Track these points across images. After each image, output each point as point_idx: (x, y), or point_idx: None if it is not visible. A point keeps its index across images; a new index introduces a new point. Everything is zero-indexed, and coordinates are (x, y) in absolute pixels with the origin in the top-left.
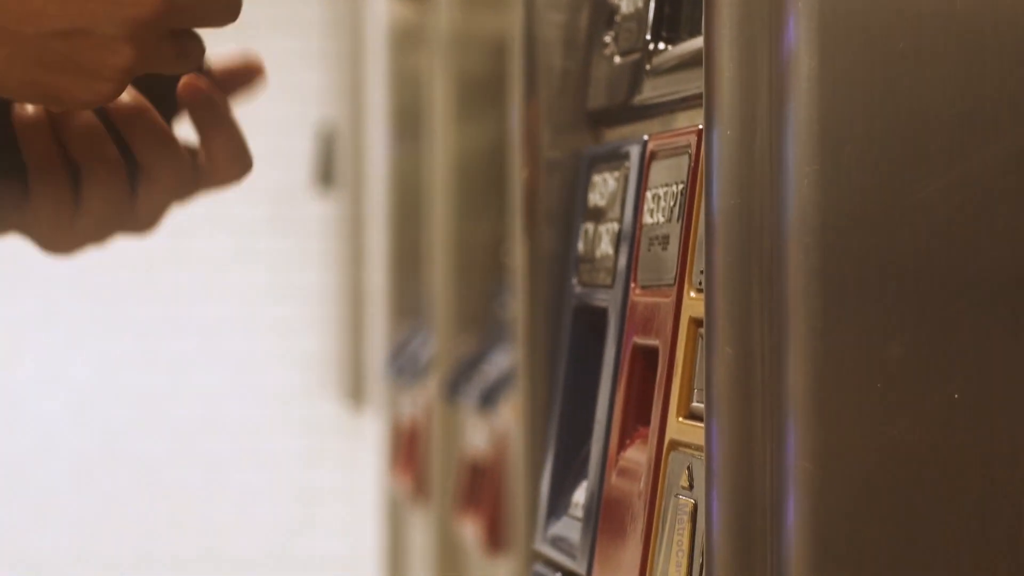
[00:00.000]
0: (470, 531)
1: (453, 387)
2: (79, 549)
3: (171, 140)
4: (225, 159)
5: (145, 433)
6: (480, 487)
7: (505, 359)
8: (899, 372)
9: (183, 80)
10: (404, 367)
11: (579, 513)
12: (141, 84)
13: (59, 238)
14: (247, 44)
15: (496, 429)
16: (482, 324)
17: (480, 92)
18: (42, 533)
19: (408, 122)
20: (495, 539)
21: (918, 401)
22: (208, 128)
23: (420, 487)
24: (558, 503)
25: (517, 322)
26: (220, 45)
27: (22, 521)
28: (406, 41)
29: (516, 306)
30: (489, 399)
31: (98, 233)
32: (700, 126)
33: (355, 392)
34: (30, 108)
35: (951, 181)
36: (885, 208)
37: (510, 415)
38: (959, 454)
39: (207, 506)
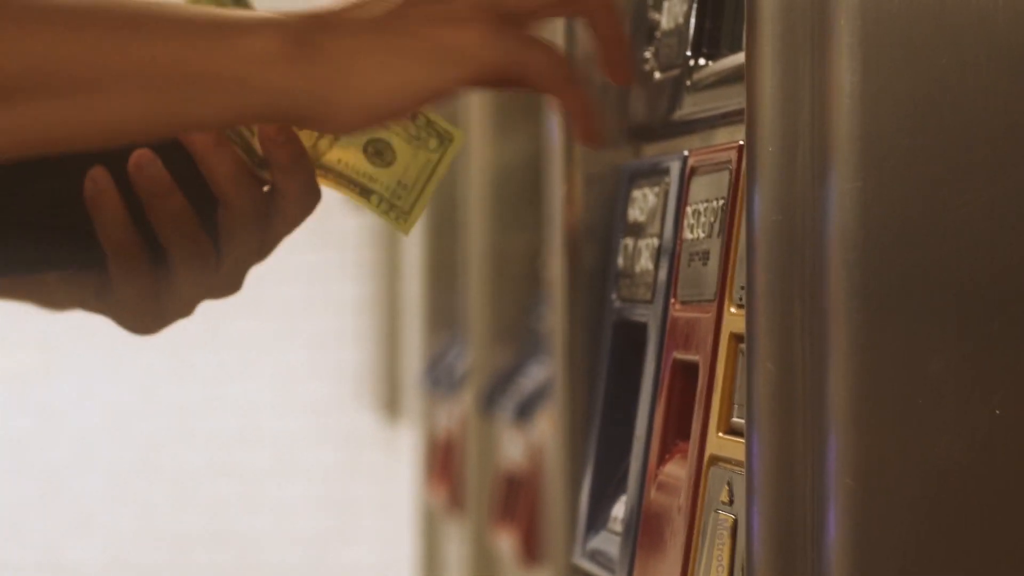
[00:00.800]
0: (505, 543)
1: (489, 399)
2: (116, 560)
3: (251, 180)
4: (296, 193)
5: (182, 445)
6: (515, 499)
7: (541, 372)
8: (941, 388)
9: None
10: (440, 379)
11: (618, 527)
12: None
13: (145, 321)
14: None
15: (532, 441)
16: (518, 336)
17: (517, 103)
18: (79, 544)
19: None
20: (531, 551)
21: (960, 417)
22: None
23: (455, 499)
24: (597, 517)
25: (554, 335)
26: None
27: (60, 532)
28: None
29: (554, 320)
30: (525, 412)
31: (185, 308)
32: (740, 142)
33: (391, 404)
34: (107, 194)
35: (993, 196)
36: (927, 223)
37: (546, 428)
38: (1002, 471)
39: (243, 517)
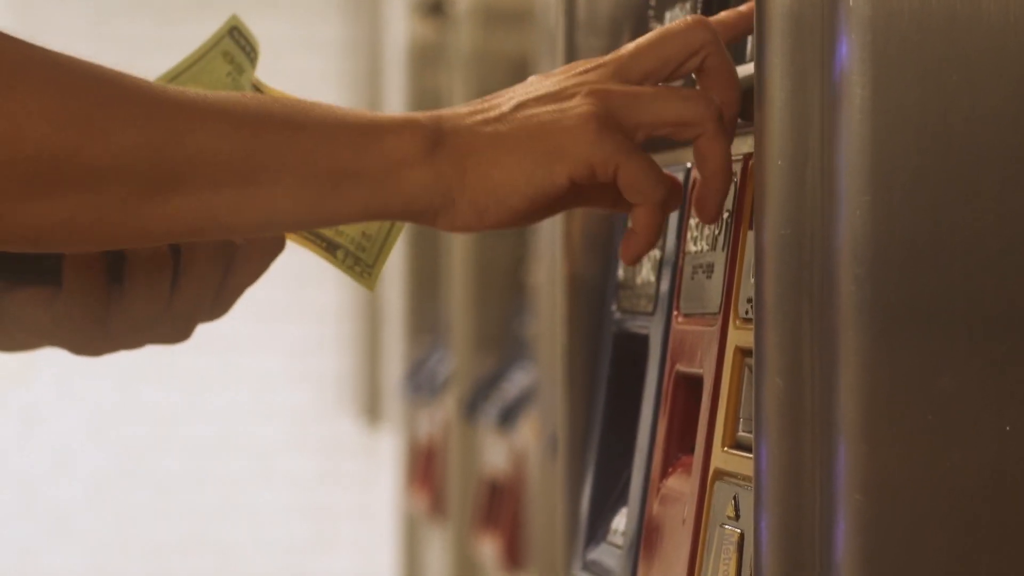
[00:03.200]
0: (488, 549)
1: (471, 406)
2: (94, 567)
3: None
4: (259, 248)
5: (162, 451)
6: (498, 506)
7: (524, 378)
8: (950, 404)
9: None
10: (421, 385)
11: (618, 540)
12: None
13: (90, 342)
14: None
15: (514, 448)
16: (501, 343)
17: None
18: (58, 550)
19: None
20: (513, 557)
21: (970, 434)
22: None
23: (437, 505)
24: (596, 529)
25: (543, 343)
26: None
27: (39, 538)
28: (426, 60)
29: (547, 330)
30: (508, 418)
31: (131, 340)
32: (745, 153)
33: (372, 410)
34: None
35: (1003, 212)
36: (937, 239)
37: (528, 434)
38: (1011, 487)
39: (224, 524)
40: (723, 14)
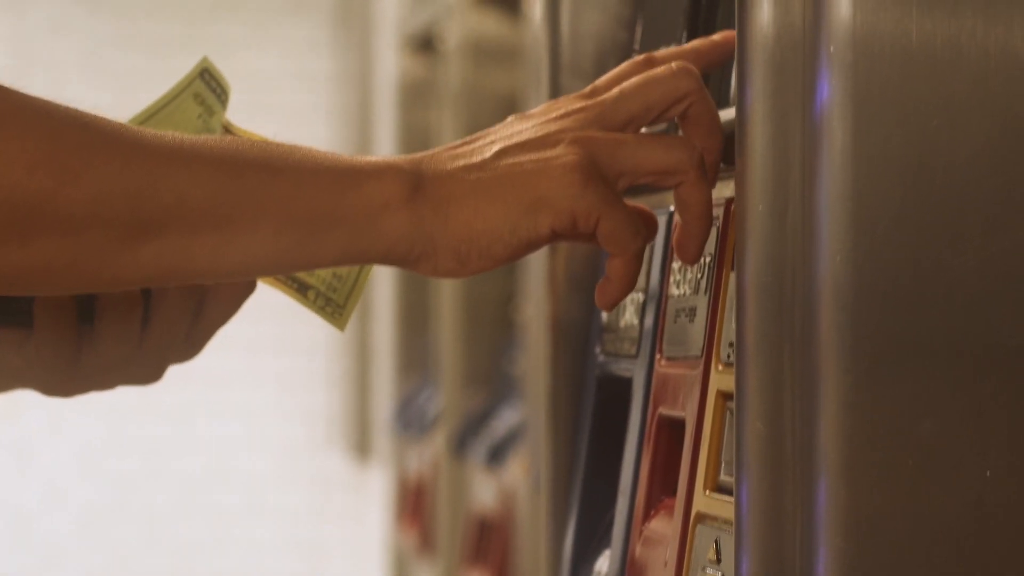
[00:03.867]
0: None
1: (460, 442)
2: None
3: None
4: (230, 291)
5: (151, 485)
6: (487, 543)
7: (513, 415)
8: (932, 449)
9: None
10: (411, 421)
11: None
12: None
13: (61, 382)
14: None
15: (504, 485)
16: (490, 380)
17: None
18: None
19: None
20: None
21: (951, 478)
22: None
23: (426, 542)
24: (580, 571)
25: (530, 383)
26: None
27: (31, 571)
28: (415, 96)
29: (530, 367)
30: (497, 455)
31: (103, 381)
32: (727, 198)
33: (361, 446)
34: None
35: (985, 258)
36: (918, 284)
37: (518, 471)
38: (993, 533)
39: (213, 559)
40: (697, 43)
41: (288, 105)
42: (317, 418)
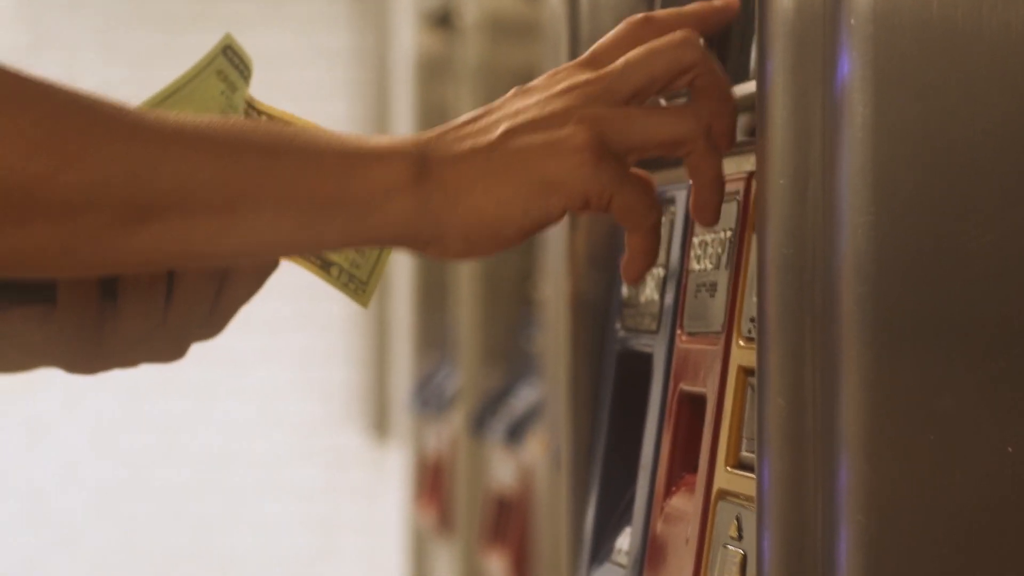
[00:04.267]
0: (495, 565)
1: (479, 421)
2: None
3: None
4: (252, 267)
5: (168, 462)
6: (506, 521)
7: (532, 393)
8: (952, 424)
9: None
10: (429, 400)
11: (623, 559)
12: None
13: (85, 359)
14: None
15: (522, 463)
16: (508, 357)
17: None
18: (63, 561)
19: None
20: (521, 573)
21: (972, 454)
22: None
23: (445, 520)
24: (601, 548)
25: (549, 360)
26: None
27: (45, 549)
28: (433, 72)
29: (549, 344)
30: (515, 434)
31: (127, 358)
32: (747, 172)
33: (379, 424)
34: None
35: (1004, 231)
36: (938, 258)
37: (536, 450)
38: (1014, 508)
39: (229, 536)
40: (698, 5)
41: (305, 82)
42: (335, 396)
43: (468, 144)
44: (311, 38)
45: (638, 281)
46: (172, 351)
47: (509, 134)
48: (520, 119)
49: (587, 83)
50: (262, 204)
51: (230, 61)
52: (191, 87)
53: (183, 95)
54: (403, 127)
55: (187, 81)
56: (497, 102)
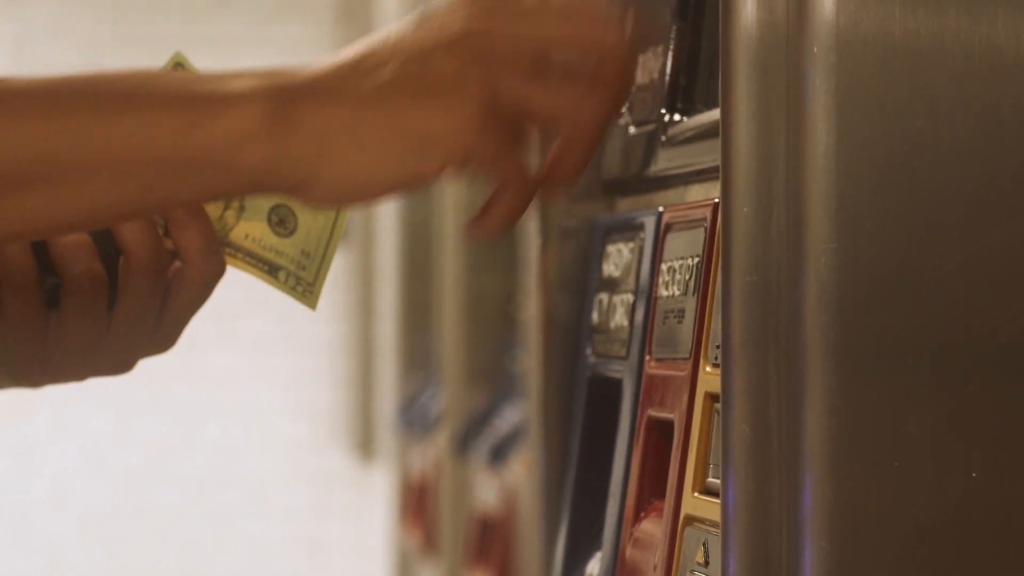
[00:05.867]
0: None
1: (463, 441)
2: None
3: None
4: (199, 276)
5: (155, 483)
6: (490, 542)
7: (515, 414)
8: (917, 450)
9: None
10: (414, 420)
11: None
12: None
13: (31, 370)
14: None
15: (506, 484)
16: (492, 378)
17: None
18: None
19: None
20: None
21: (936, 480)
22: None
23: (429, 541)
24: (571, 573)
25: (529, 383)
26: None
27: (34, 570)
28: None
29: (529, 370)
30: (499, 454)
31: (73, 370)
32: (716, 199)
33: (364, 445)
34: None
35: (968, 257)
36: (903, 284)
37: (520, 470)
38: (978, 534)
39: (217, 557)
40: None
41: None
42: (321, 417)
43: (347, 86)
44: (295, 60)
45: (487, 235)
46: (118, 363)
47: (393, 79)
48: (410, 63)
49: (491, 18)
50: (96, 168)
51: None
52: None
53: None
54: None
55: None
56: (394, 32)
